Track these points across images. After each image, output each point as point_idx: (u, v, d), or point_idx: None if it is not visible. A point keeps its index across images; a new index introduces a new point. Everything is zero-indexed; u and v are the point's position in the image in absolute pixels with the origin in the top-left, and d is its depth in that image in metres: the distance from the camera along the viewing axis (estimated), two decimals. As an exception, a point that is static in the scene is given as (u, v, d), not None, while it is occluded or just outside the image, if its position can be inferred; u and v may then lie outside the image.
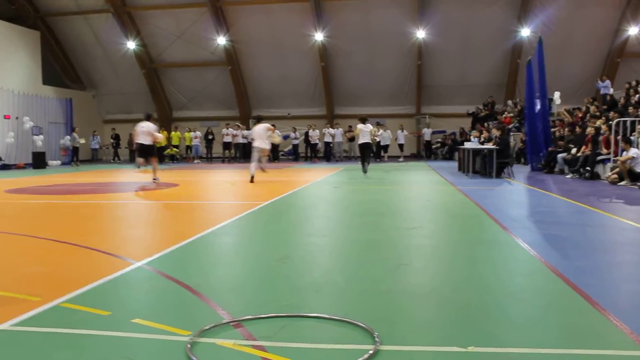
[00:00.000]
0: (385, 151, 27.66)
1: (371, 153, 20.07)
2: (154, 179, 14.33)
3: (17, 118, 25.42)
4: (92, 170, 22.13)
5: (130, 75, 31.43)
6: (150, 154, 14.65)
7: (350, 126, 27.38)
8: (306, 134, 29.17)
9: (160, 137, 15.54)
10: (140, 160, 14.87)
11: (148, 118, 14.78)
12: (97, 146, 30.03)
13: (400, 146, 28.45)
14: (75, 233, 6.91)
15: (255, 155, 15.28)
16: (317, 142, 28.57)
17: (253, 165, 15.08)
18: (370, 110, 30.80)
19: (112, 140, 30.94)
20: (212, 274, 4.90)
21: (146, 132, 14.28)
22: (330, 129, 28.46)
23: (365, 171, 17.46)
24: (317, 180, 15.25)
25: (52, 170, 23.15)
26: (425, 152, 29.94)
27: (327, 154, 28.51)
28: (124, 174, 19.95)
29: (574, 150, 16.37)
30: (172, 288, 4.36)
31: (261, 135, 15.39)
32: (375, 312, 3.75)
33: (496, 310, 3.80)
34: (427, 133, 29.50)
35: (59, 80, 31.02)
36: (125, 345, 3.19)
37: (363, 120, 17.73)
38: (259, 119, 16.20)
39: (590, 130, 16.29)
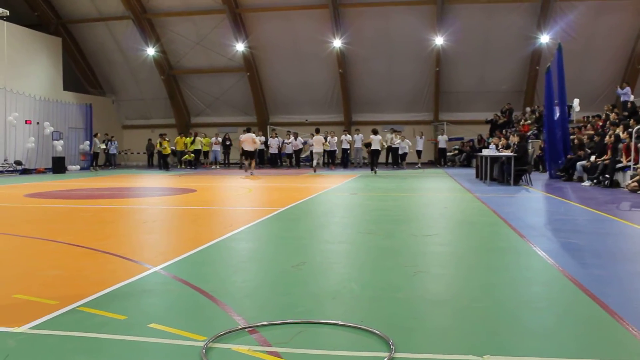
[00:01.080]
0: (403, 159, 27.51)
1: (378, 157, 24.05)
2: (251, 173, 20.88)
3: (37, 123, 25.74)
4: (111, 175, 22.30)
5: (150, 81, 31.70)
6: (252, 156, 21.61)
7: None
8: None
9: (258, 143, 22.29)
10: (246, 162, 21.98)
11: (249, 130, 21.96)
12: (115, 151, 30.24)
13: (418, 153, 28.30)
14: (93, 237, 6.97)
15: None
16: (335, 148, 28.52)
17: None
18: (387, 117, 30.80)
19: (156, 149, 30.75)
20: (228, 279, 4.91)
21: (250, 140, 21.04)
22: (348, 136, 28.44)
23: (374, 171, 22.13)
24: (334, 187, 15.25)
25: (71, 175, 23.38)
26: (439, 159, 29.67)
27: (344, 161, 28.51)
28: (142, 179, 20.09)
29: (592, 158, 16.22)
30: (188, 293, 4.38)
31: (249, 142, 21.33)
32: (390, 319, 3.74)
33: (512, 319, 3.77)
34: (441, 140, 29.20)
35: (80, 86, 31.37)
36: (141, 349, 3.21)
37: (374, 131, 23.01)
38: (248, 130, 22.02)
39: (609, 138, 16.13)
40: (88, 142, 27.67)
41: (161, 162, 27.97)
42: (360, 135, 28.48)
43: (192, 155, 29.40)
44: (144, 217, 9.33)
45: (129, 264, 5.45)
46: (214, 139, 29.75)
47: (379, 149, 23.04)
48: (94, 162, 27.50)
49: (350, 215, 9.50)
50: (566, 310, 3.98)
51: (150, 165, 30.64)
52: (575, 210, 10.07)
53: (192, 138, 29.64)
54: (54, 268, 5.28)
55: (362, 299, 4.25)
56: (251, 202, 12.08)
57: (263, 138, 28.88)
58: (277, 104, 31.89)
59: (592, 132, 18.28)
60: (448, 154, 30.15)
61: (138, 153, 32.73)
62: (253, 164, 21.75)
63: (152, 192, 14.52)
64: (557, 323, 3.69)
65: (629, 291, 4.50)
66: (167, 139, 28.22)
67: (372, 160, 22.77)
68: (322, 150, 25.69)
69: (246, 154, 22.07)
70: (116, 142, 30.61)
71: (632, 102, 21.00)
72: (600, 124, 19.76)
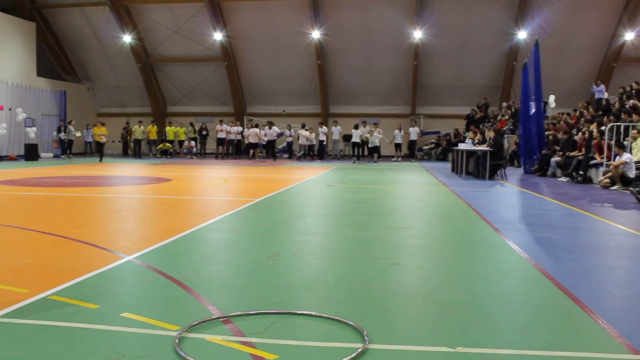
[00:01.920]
0: (375, 151, 27.45)
1: (360, 149, 26.47)
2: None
3: (10, 109, 25.30)
4: (85, 164, 22.05)
5: (126, 69, 31.34)
6: (255, 147, 27.31)
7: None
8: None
9: (263, 137, 27.10)
10: (251, 152, 27.22)
11: (256, 126, 27.50)
12: (90, 139, 29.84)
13: (397, 146, 28.31)
14: (66, 226, 6.89)
15: None
16: (313, 142, 28.41)
17: None
18: (365, 110, 30.82)
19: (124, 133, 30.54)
20: (202, 269, 4.89)
21: (253, 134, 26.90)
22: (324, 128, 28.35)
23: (354, 162, 24.12)
24: (310, 178, 15.25)
25: (44, 162, 23.06)
26: (410, 152, 29.08)
27: (320, 153, 28.48)
28: (117, 167, 19.89)
29: (558, 154, 16.40)
30: (161, 282, 4.35)
31: None
32: (365, 310, 3.76)
33: (486, 311, 3.81)
34: (412, 133, 28.53)
35: (54, 72, 30.88)
36: (113, 339, 3.18)
37: (356, 126, 26.33)
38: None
39: (582, 135, 16.34)
40: (61, 129, 27.25)
41: (136, 149, 28.07)
42: (339, 127, 28.46)
43: (169, 144, 29.22)
44: (118, 205, 9.24)
45: (102, 252, 5.40)
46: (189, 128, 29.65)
47: (358, 141, 25.98)
48: (68, 149, 27.12)
49: (326, 207, 9.51)
50: (539, 303, 4.03)
51: (125, 154, 30.34)
52: (549, 205, 10.19)
53: (168, 127, 29.48)
54: (25, 256, 5.21)
55: (336, 290, 4.26)
56: (227, 192, 12.03)
57: (240, 128, 28.91)
58: (255, 94, 31.76)
59: (566, 129, 18.49)
60: (424, 147, 30.27)
61: (113, 141, 32.34)
62: (257, 152, 27.72)
63: (126, 180, 14.38)
64: (529, 316, 3.73)
65: (598, 284, 4.58)
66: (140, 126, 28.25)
67: (354, 152, 26.13)
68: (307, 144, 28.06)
69: (250, 146, 27.47)
70: (92, 130, 30.19)
71: (607, 100, 21.28)
72: (573, 120, 19.99)
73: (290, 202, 10.18)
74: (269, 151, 28.18)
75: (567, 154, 16.33)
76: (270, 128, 28.08)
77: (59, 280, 4.30)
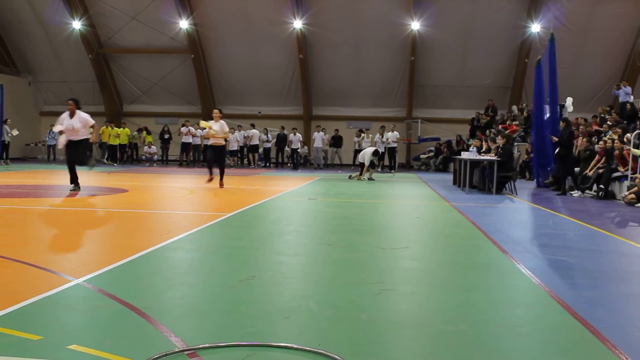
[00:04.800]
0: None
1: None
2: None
3: None
4: (25, 171, 21.86)
5: (75, 60, 31.20)
6: (256, 151, 29.28)
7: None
8: (280, 138, 29.11)
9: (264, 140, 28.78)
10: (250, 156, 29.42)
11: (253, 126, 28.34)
12: (54, 142, 29.48)
13: (391, 152, 27.64)
14: (2, 243, 6.83)
15: None
16: (299, 148, 28.45)
17: None
18: (353, 112, 30.98)
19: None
20: (164, 294, 4.87)
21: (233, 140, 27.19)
22: (297, 135, 28.30)
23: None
24: (289, 190, 15.25)
25: (-23, 168, 22.83)
26: (390, 161, 28.14)
27: (294, 162, 28.46)
28: (64, 176, 19.74)
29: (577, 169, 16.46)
30: (116, 310, 4.33)
31: None
32: (352, 343, 3.76)
33: (492, 344, 3.82)
34: (391, 138, 27.63)
35: (-12, 62, 30.69)
36: (59, 374, 3.16)
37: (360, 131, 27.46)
38: None
39: (602, 143, 16.42)
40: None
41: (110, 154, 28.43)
42: (321, 133, 28.50)
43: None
44: (65, 220, 9.17)
45: (46, 275, 5.36)
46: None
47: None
48: (4, 153, 26.76)
49: (308, 224, 9.52)
50: (553, 335, 4.05)
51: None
52: (565, 223, 10.27)
53: (121, 129, 29.38)
54: (-45, 278, 5.16)
55: (319, 319, 4.26)
56: (193, 205, 12.00)
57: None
58: (226, 92, 31.75)
59: (585, 145, 18.42)
60: (422, 156, 30.42)
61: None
62: (256, 157, 29.53)
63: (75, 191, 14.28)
64: (542, 350, 3.75)
65: (622, 315, 4.61)
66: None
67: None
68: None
69: (251, 149, 29.22)
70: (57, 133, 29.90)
71: (632, 104, 21.39)
72: (593, 128, 20.10)
73: (266, 217, 10.17)
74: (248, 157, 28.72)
75: (585, 173, 16.27)
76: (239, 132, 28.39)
77: (-5, 306, 4.26)
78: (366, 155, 19.95)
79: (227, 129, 15.58)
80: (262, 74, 30.54)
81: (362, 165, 20.39)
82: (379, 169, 25.77)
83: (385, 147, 26.98)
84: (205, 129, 15.74)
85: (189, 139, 28.58)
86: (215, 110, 15.60)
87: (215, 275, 5.63)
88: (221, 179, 15.30)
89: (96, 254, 6.61)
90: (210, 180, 15.22)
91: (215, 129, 15.05)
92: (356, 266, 6.14)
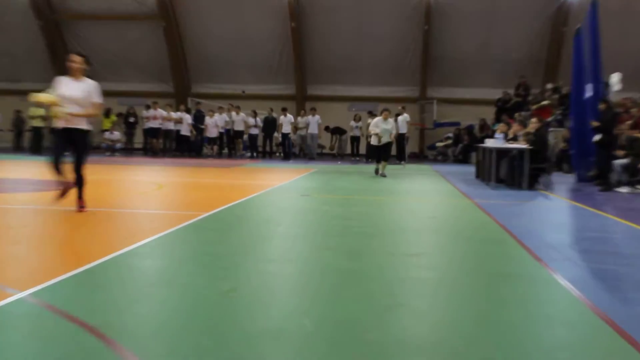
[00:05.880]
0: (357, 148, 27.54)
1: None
2: None
3: None
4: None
5: (21, 28, 31.12)
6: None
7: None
8: (268, 122, 28.96)
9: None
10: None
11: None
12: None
13: (400, 139, 26.92)
14: None
15: None
16: (290, 132, 28.28)
17: None
18: (356, 91, 31.01)
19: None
20: (127, 310, 4.83)
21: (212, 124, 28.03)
22: (289, 116, 28.09)
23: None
24: (279, 185, 15.25)
25: None
26: (399, 150, 27.83)
27: (285, 151, 28.39)
28: (7, 166, 19.71)
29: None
30: (68, 329, 4.29)
31: None
32: (356, 370, 3.73)
33: (525, 372, 3.79)
34: (401, 123, 26.94)
35: None
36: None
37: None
38: None
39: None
40: None
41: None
42: (317, 117, 28.34)
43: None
44: (8, 221, 9.13)
45: (-17, 286, 5.32)
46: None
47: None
48: None
49: (302, 225, 9.50)
50: (598, 361, 4.02)
51: (18, 148, 30.12)
52: (612, 225, 10.25)
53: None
54: None
55: (316, 341, 4.23)
56: (163, 203, 11.99)
57: (184, 115, 28.71)
58: (204, 68, 31.74)
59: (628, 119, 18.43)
60: (438, 144, 30.44)
61: (1, 130, 32.02)
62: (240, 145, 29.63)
63: (21, 185, 14.24)
64: (585, 379, 3.72)
65: (682, 336, 4.58)
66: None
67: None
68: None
69: (235, 135, 29.12)
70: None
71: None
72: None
73: (251, 217, 10.17)
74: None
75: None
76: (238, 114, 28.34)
77: None
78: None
79: (97, 98, 9.85)
80: (246, 46, 30.50)
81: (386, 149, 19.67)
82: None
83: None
84: (46, 104, 10.21)
85: (157, 124, 28.37)
86: (75, 57, 9.85)
87: (189, 288, 5.58)
88: (80, 194, 9.94)
89: (45, 261, 6.56)
90: (63, 194, 9.89)
91: (70, 95, 9.62)
92: (360, 276, 6.11)
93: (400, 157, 27.60)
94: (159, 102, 29.43)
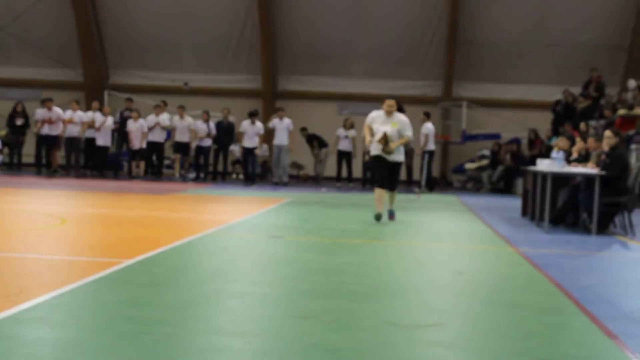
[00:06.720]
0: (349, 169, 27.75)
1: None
2: None
3: None
4: None
5: None
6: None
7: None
8: (223, 129, 28.90)
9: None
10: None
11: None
12: None
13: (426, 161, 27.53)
14: None
15: None
16: (256, 145, 28.09)
17: None
18: (351, 87, 31.15)
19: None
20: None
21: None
22: (258, 124, 27.95)
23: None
24: (237, 221, 15.28)
25: None
26: (429, 177, 28.14)
27: (247, 171, 28.30)
28: None
29: None
30: None
31: None
32: None
33: None
34: (429, 132, 27.36)
35: None
36: None
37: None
38: None
39: None
40: None
41: None
42: (286, 120, 28.04)
43: None
44: None
45: None
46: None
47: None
48: None
49: (270, 282, 9.53)
50: None
51: None
52: None
53: None
54: None
55: None
56: (66, 245, 11.97)
57: (95, 115, 28.67)
58: (127, 49, 31.87)
59: None
60: (467, 165, 30.50)
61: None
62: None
63: None
64: None
65: None
66: None
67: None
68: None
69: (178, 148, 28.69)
70: None
71: None
72: None
73: (194, 268, 10.17)
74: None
75: None
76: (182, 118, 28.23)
77: None
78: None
79: None
80: (191, 22, 30.63)
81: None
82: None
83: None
84: None
85: (57, 130, 28.12)
86: None
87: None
88: None
89: None
90: None
91: None
92: (352, 357, 6.08)
93: (422, 183, 27.51)
94: (64, 96, 29.35)
